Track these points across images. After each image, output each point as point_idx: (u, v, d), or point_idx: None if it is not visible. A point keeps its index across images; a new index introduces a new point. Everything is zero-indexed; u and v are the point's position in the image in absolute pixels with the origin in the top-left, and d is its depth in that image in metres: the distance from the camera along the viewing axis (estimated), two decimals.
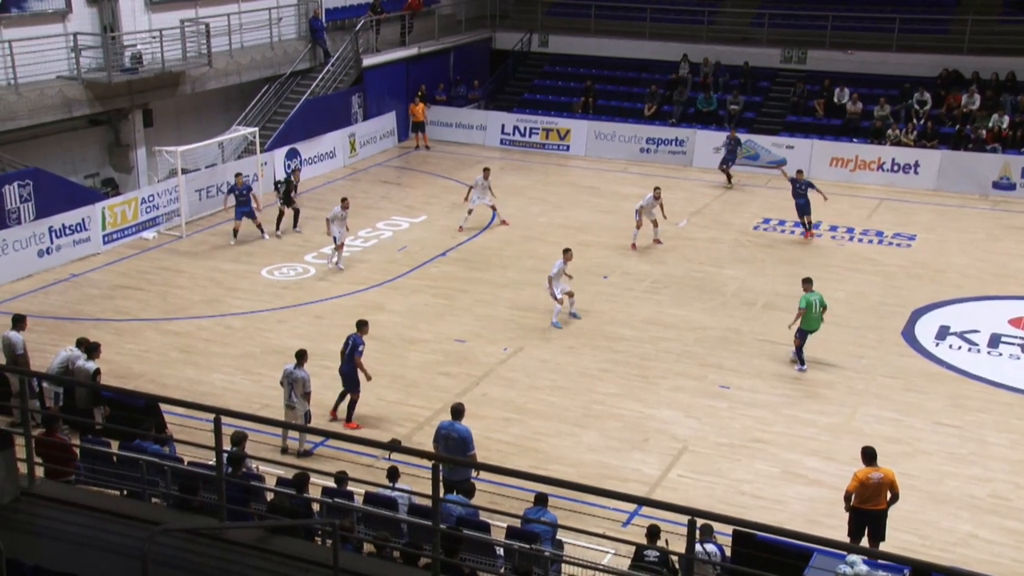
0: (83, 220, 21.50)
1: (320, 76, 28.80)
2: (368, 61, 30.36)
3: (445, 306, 19.47)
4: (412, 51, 32.13)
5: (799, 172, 23.76)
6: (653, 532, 10.46)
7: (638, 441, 14.77)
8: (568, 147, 31.21)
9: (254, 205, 22.70)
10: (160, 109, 25.28)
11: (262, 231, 22.90)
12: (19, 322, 15.02)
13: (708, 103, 31.14)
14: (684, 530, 7.06)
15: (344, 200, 21.06)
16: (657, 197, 22.80)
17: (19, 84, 20.97)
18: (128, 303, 19.38)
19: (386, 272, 21.10)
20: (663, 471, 13.98)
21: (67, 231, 21.12)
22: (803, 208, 23.40)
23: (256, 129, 25.85)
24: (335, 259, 21.01)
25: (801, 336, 16.89)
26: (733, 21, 33.41)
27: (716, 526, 10.58)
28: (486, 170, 24.03)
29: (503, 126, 31.96)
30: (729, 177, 27.97)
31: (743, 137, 29.56)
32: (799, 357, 16.95)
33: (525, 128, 31.74)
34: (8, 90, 20.86)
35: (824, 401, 16.04)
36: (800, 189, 23.28)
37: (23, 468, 8.00)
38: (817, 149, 28.88)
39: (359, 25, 30.40)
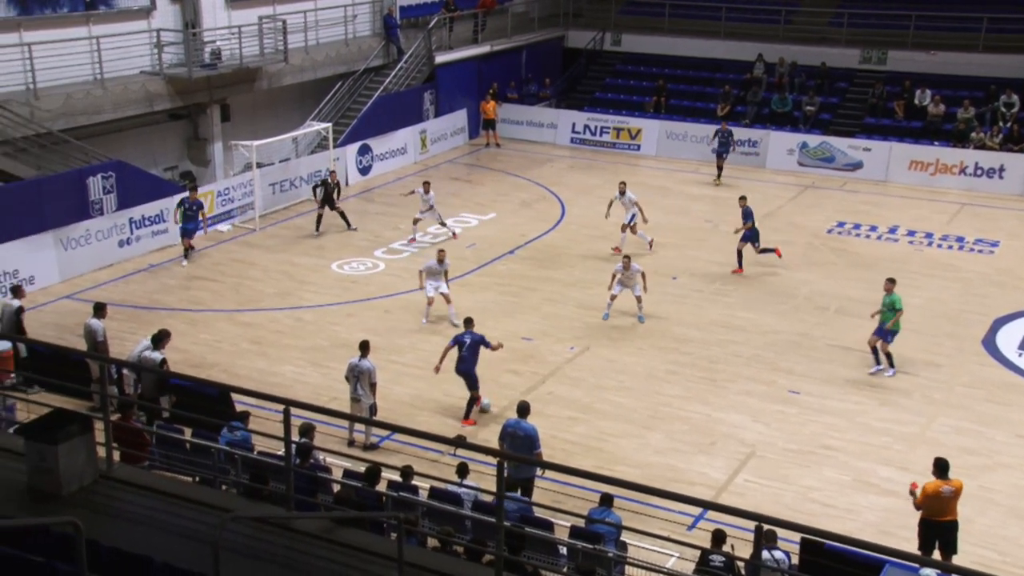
0: (162, 212, 22.01)
1: (393, 73, 29.07)
2: (441, 58, 30.54)
3: (512, 304, 19.49)
4: (484, 49, 32.24)
5: (742, 198, 21.52)
6: (719, 537, 10.33)
7: (705, 444, 14.61)
8: (639, 147, 31.00)
9: (201, 223, 21.17)
10: (237, 104, 25.78)
11: (187, 253, 21.12)
12: (100, 310, 15.45)
13: (783, 104, 30.64)
14: (749, 536, 6.94)
15: (440, 252, 18.54)
16: (622, 192, 21.98)
17: (105, 79, 21.56)
18: (203, 294, 19.79)
19: (454, 269, 21.12)
20: (730, 475, 13.80)
21: (146, 222, 21.64)
22: (750, 236, 21.12)
23: (329, 125, 26.19)
24: (425, 315, 18.48)
25: (892, 337, 16.59)
26: (811, 21, 32.79)
27: (784, 533, 10.40)
28: (426, 183, 22.61)
29: (574, 125, 31.88)
30: (719, 170, 27.64)
31: (818, 139, 29.07)
32: (890, 361, 16.66)
33: (596, 127, 31.61)
34: (95, 85, 21.45)
35: (899, 410, 15.66)
36: (747, 219, 21.05)
37: (101, 452, 8.21)
38: (896, 152, 28.22)
39: (432, 22, 30.62)
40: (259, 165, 23.97)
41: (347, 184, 26.94)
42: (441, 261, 18.35)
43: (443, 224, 22.79)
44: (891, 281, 16.89)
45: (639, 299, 18.61)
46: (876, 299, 18.56)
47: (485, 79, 32.18)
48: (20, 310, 15.76)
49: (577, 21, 36.03)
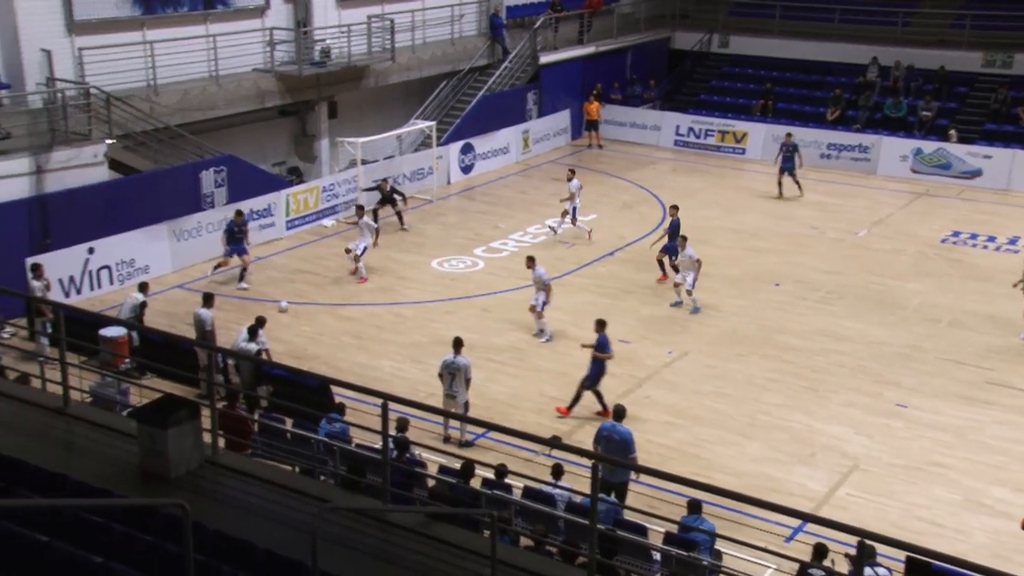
0: (269, 206, 22.58)
1: (498, 72, 29.20)
2: (545, 59, 30.55)
3: (610, 306, 19.34)
4: (589, 49, 32.11)
5: (673, 208, 20.61)
6: (821, 551, 10.06)
7: (805, 455, 14.25)
8: (744, 150, 30.43)
9: (247, 243, 20.29)
10: (344, 101, 26.26)
11: (243, 275, 20.02)
12: (208, 300, 15.95)
13: (897, 108, 29.68)
14: (852, 551, 6.71)
15: (526, 260, 18.23)
16: (569, 179, 22.72)
17: (219, 76, 22.23)
18: (306, 287, 20.20)
19: (553, 269, 21.07)
20: (831, 488, 13.43)
21: (254, 216, 22.19)
22: (671, 249, 20.06)
23: (433, 123, 26.47)
24: (545, 335, 17.75)
25: None
26: (931, 23, 31.63)
27: (888, 551, 10.03)
28: (359, 208, 21.47)
29: (678, 127, 31.48)
30: (781, 185, 26.17)
31: (934, 145, 28.07)
32: None
33: (700, 130, 31.15)
34: (210, 81, 22.14)
35: (1016, 428, 14.98)
36: (671, 228, 20.16)
37: (207, 438, 8.44)
38: (1020, 159, 26.99)
39: (538, 23, 30.65)
40: (364, 162, 24.38)
41: (448, 183, 27.20)
42: (530, 268, 17.89)
43: (356, 258, 20.47)
44: None
45: (689, 294, 18.69)
46: (993, 312, 17.90)
47: (589, 80, 32.05)
48: (143, 305, 16.43)
49: (684, 22, 35.57)
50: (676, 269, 19.68)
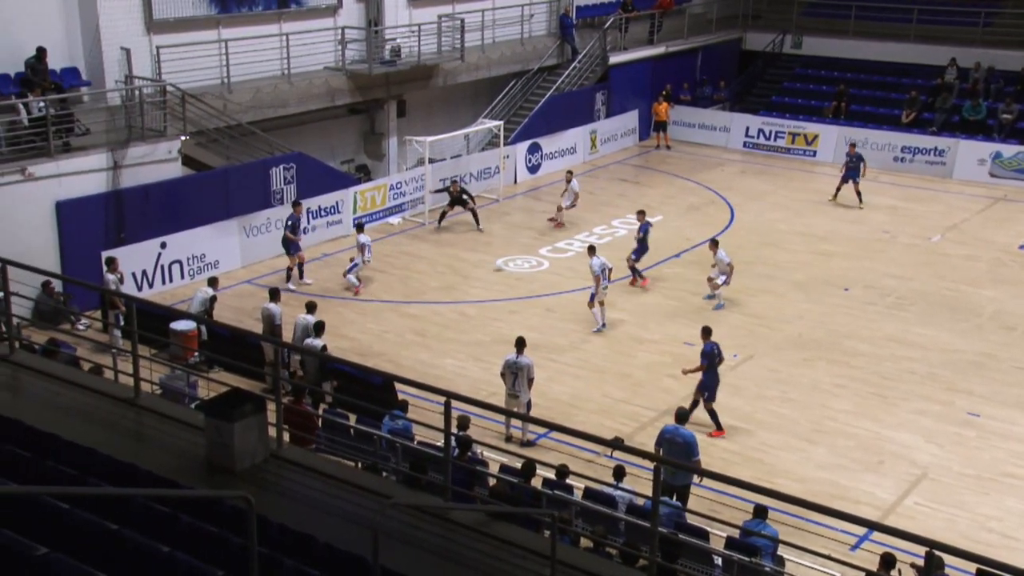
0: (337, 203, 22.86)
1: (566, 72, 29.15)
2: (615, 59, 30.42)
3: (676, 307, 19.20)
4: (659, 50, 31.88)
5: (640, 213, 20.64)
6: (888, 561, 9.86)
7: (872, 463, 13.97)
8: (815, 153, 29.91)
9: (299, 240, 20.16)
10: (413, 100, 26.46)
11: (300, 271, 20.09)
12: (275, 295, 16.23)
13: (976, 111, 28.90)
14: (918, 561, 6.55)
15: (591, 249, 18.67)
16: (568, 180, 23.87)
17: (291, 74, 22.57)
18: (372, 285, 20.39)
19: (619, 270, 20.99)
20: (898, 497, 13.15)
21: (322, 213, 22.52)
22: (640, 251, 20.31)
23: (501, 123, 26.52)
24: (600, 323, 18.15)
25: None
26: (1014, 23, 30.68)
27: (957, 562, 9.79)
28: (359, 226, 21.06)
29: (747, 128, 31.07)
30: (839, 190, 25.50)
31: (1014, 149, 27.27)
32: None
33: (770, 132, 30.71)
34: (282, 79, 22.50)
35: None
36: (641, 232, 20.28)
37: (272, 432, 8.57)
38: None
39: (608, 23, 30.53)
40: (431, 160, 24.53)
41: (515, 182, 27.24)
42: (590, 258, 18.45)
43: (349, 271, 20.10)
44: None
45: (719, 285, 18.97)
46: None
47: (658, 80, 31.82)
48: (213, 299, 16.84)
49: (756, 23, 35.12)
50: (635, 271, 20.19)
